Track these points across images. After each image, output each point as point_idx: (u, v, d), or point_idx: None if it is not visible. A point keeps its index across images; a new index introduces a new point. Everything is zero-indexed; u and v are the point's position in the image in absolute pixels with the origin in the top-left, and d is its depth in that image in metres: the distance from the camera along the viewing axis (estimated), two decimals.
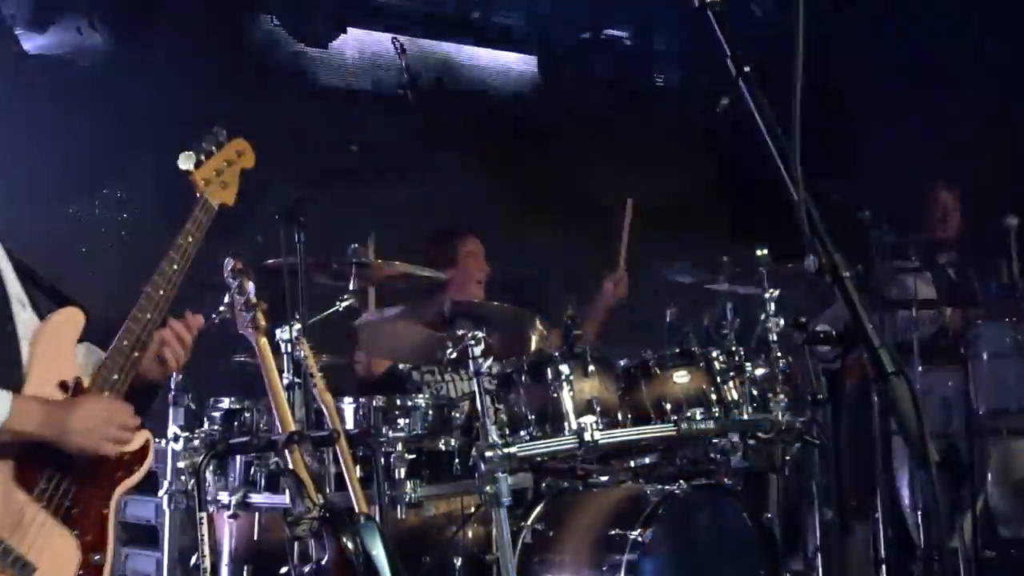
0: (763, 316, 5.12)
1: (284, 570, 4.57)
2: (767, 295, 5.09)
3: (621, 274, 6.34)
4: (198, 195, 3.30)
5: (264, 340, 4.18)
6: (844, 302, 1.78)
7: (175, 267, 3.16)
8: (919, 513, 6.27)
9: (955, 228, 6.80)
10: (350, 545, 3.86)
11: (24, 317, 2.97)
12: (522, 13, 7.43)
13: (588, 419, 4.58)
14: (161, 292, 3.10)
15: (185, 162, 3.34)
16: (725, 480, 4.98)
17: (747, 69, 1.92)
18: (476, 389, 4.47)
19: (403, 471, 4.83)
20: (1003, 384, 6.27)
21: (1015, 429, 6.46)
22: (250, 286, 4.44)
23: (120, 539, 3.05)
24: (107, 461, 2.90)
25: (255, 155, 3.49)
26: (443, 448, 4.94)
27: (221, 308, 4.64)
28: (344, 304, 5.18)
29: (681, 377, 4.83)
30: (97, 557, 2.82)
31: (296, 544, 4.31)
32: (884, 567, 5.73)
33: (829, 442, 1.70)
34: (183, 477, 4.96)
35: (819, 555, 5.61)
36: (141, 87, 6.32)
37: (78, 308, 3.08)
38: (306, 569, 4.15)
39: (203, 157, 3.33)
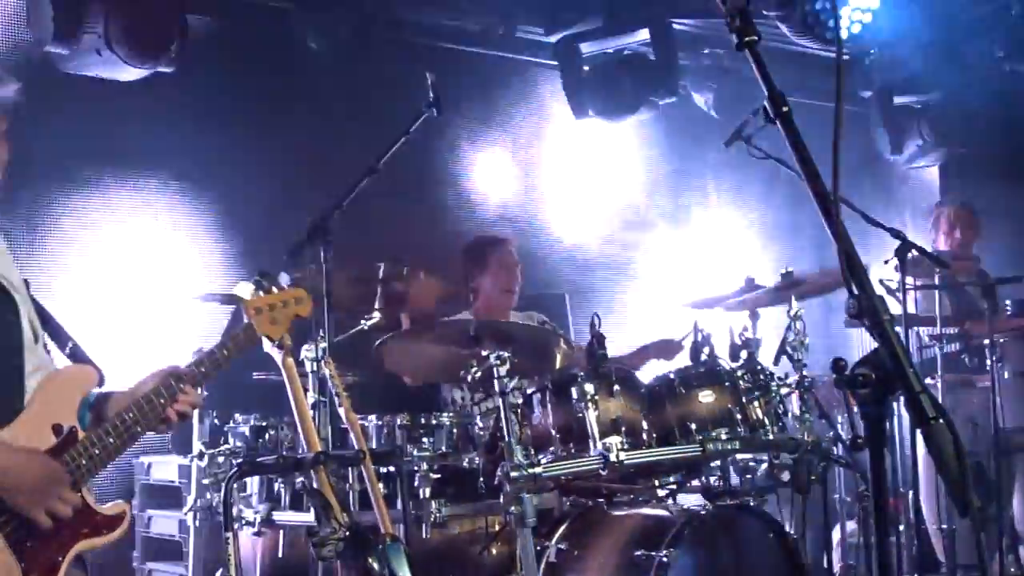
0: (787, 333, 5.11)
1: None
2: (790, 312, 5.09)
3: (674, 344, 6.03)
4: (246, 320, 3.38)
5: (290, 360, 4.16)
6: (882, 345, 1.76)
7: (202, 370, 3.19)
8: (942, 529, 6.26)
9: (965, 244, 6.78)
10: (375, 566, 3.85)
11: (35, 355, 2.97)
12: None
13: (613, 439, 4.56)
14: (181, 386, 3.10)
15: (241, 290, 3.42)
16: (750, 500, 4.96)
17: (785, 109, 1.90)
18: (501, 409, 4.46)
19: (428, 490, 4.83)
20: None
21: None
22: None
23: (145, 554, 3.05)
24: (77, 515, 2.89)
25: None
26: (468, 466, 4.94)
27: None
28: (369, 323, 5.18)
29: (706, 396, 4.81)
30: None
31: (321, 564, 4.32)
32: None
33: (870, 486, 1.66)
34: (208, 494, 4.98)
35: (841, 573, 5.62)
36: (173, 104, 6.35)
37: (96, 370, 3.08)
38: None
39: (260, 292, 3.44)
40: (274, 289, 3.48)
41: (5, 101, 2.97)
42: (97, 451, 2.92)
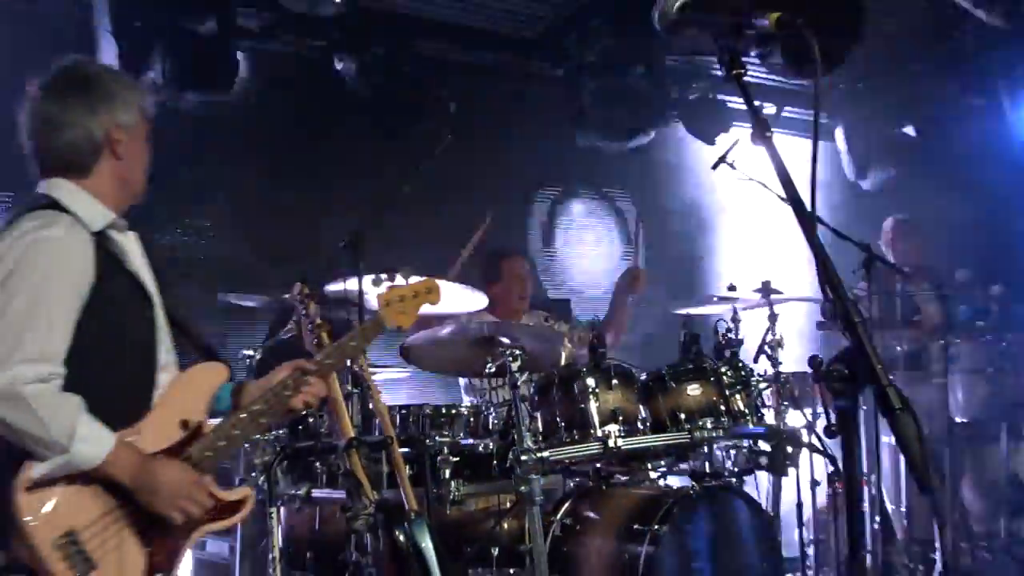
0: (766, 334, 5.12)
1: (340, 556, 4.58)
2: (768, 316, 5.10)
3: (637, 271, 6.14)
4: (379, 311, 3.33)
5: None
6: (854, 345, 1.75)
7: (329, 362, 3.11)
8: (901, 508, 6.26)
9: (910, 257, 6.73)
10: (401, 538, 3.85)
11: (165, 352, 2.89)
12: None
13: (612, 427, 4.56)
14: (308, 378, 3.02)
15: (373, 285, 3.39)
16: (732, 480, 4.97)
17: (769, 134, 1.90)
18: (513, 399, 4.46)
19: (447, 472, 4.83)
20: (976, 398, 6.25)
21: (987, 437, 6.43)
22: (315, 308, 4.43)
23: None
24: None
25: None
26: (483, 451, 4.94)
27: (289, 326, 4.65)
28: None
29: (694, 390, 4.80)
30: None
31: (353, 536, 4.31)
32: (868, 556, 5.70)
33: (841, 469, 1.67)
34: (253, 474, 4.97)
35: (812, 545, 5.60)
36: (225, 134, 6.38)
37: (225, 366, 3.00)
38: (363, 560, 4.14)
39: (388, 286, 3.41)
40: (403, 282, 3.41)
41: (149, 109, 2.89)
42: (222, 443, 2.82)
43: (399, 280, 3.49)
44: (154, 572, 2.65)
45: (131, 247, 2.81)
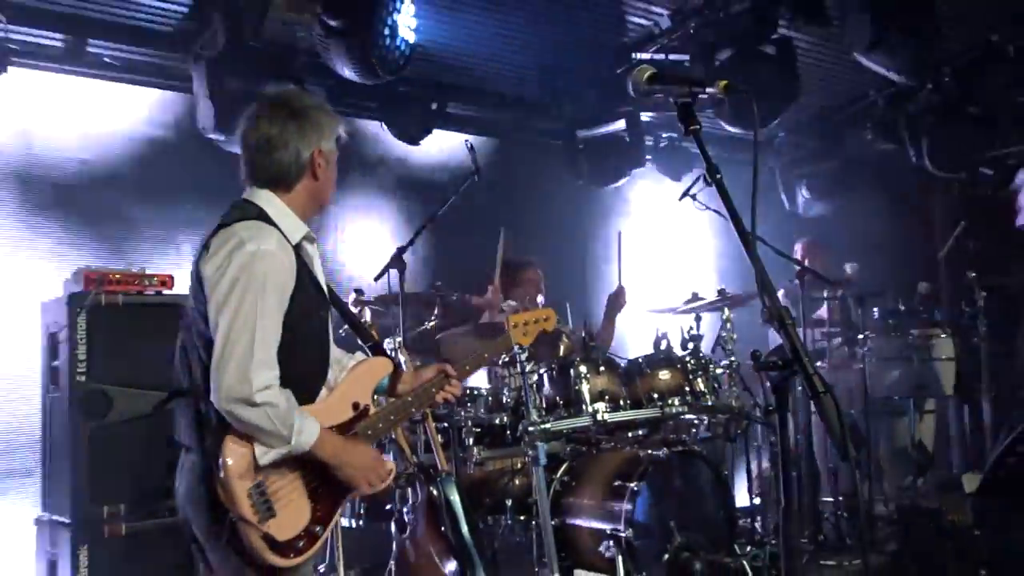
0: (721, 330, 5.11)
1: (388, 507, 4.59)
2: (723, 317, 5.09)
3: (619, 288, 6.00)
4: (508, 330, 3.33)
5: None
6: (786, 341, 1.75)
7: (467, 368, 3.10)
8: (829, 467, 6.22)
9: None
10: (435, 492, 3.85)
11: (333, 346, 2.81)
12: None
13: (600, 404, 4.58)
14: (450, 380, 3.02)
15: (507, 307, 3.41)
16: (696, 447, 4.94)
17: (719, 176, 1.90)
18: (523, 383, 4.45)
19: (471, 440, 4.82)
20: (890, 379, 6.23)
21: (896, 411, 6.41)
22: (367, 312, 4.44)
23: None
24: None
25: None
26: (499, 423, 4.93)
27: (346, 326, 4.65)
28: (431, 324, 5.17)
29: (664, 375, 4.80)
30: (318, 528, 2.59)
31: (398, 491, 4.32)
32: (800, 506, 5.68)
33: (777, 438, 1.66)
34: None
35: (759, 497, 5.58)
36: None
37: (391, 361, 2.95)
38: (405, 508, 4.14)
39: (519, 310, 3.50)
40: (529, 309, 3.42)
41: (343, 139, 2.78)
42: (381, 424, 2.78)
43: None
44: (315, 524, 2.58)
45: (315, 255, 2.73)
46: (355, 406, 2.72)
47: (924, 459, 6.12)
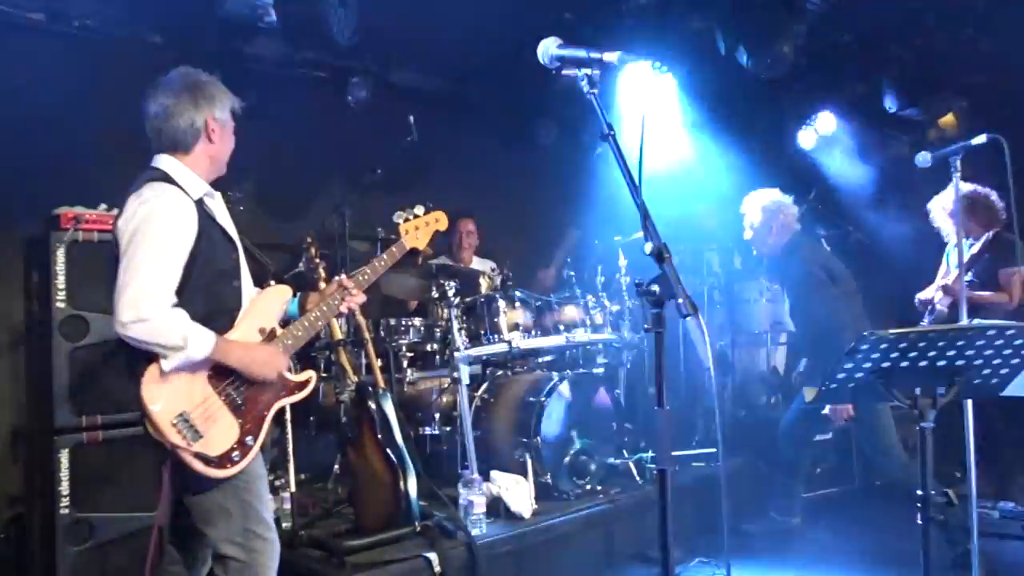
0: (617, 274, 5.18)
1: (334, 419, 4.59)
2: (621, 261, 5.16)
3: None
4: (401, 238, 3.12)
5: (324, 285, 4.14)
6: (665, 274, 1.79)
7: (365, 278, 2.92)
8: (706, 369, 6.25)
9: None
10: (373, 406, 3.86)
11: (246, 281, 2.73)
12: None
13: (515, 334, 4.63)
14: (351, 289, 2.87)
15: (397, 217, 3.20)
16: (594, 371, 5.05)
17: (611, 133, 1.92)
18: (450, 315, 4.48)
19: (405, 363, 4.85)
20: (752, 318, 6.39)
21: (758, 342, 6.58)
22: (315, 250, 4.37)
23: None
24: (276, 382, 2.64)
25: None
26: (430, 349, 4.96)
27: (300, 265, 4.60)
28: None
29: (570, 310, 4.87)
30: (249, 439, 2.55)
31: (342, 405, 4.32)
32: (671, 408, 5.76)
33: (654, 355, 1.69)
34: None
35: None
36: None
37: (290, 288, 2.85)
38: (346, 420, 4.14)
39: (410, 217, 3.16)
40: (420, 214, 3.19)
41: (238, 110, 2.71)
42: (290, 342, 2.70)
43: (418, 211, 3.30)
44: (245, 436, 2.55)
45: (219, 207, 2.68)
46: (262, 331, 2.68)
47: (776, 381, 6.26)
